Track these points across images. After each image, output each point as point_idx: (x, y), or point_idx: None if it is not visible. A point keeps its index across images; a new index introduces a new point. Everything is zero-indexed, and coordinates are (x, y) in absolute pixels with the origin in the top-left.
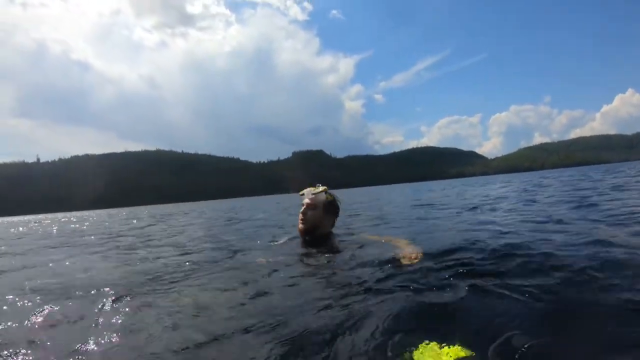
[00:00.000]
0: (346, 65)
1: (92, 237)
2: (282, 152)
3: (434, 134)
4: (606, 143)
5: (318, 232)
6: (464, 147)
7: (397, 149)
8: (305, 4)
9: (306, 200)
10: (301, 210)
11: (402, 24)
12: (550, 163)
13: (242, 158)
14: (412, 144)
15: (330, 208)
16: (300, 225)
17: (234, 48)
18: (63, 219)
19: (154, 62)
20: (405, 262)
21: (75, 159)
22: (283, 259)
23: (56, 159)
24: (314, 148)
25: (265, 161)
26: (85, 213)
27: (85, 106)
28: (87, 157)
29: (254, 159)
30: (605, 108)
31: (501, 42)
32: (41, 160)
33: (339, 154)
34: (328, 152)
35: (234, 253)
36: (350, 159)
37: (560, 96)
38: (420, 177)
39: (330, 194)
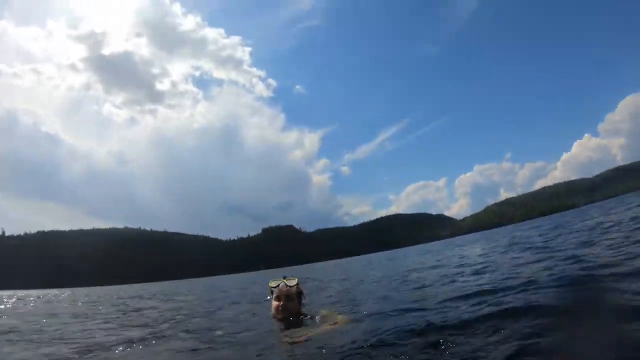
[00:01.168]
0: (311, 139)
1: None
2: (252, 228)
3: (402, 201)
4: (570, 189)
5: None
6: (433, 211)
7: (366, 219)
8: (270, 80)
9: (284, 294)
10: (279, 302)
11: (364, 96)
12: (518, 216)
13: (212, 235)
14: (381, 213)
15: (301, 296)
16: (279, 315)
17: (201, 125)
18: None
19: (123, 138)
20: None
21: (41, 234)
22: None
23: (22, 233)
24: (284, 223)
25: (235, 238)
26: (54, 291)
27: (53, 180)
28: (54, 233)
29: (223, 236)
30: (565, 156)
31: (459, 106)
32: (6, 234)
33: (309, 227)
34: (298, 227)
35: None
36: (321, 232)
37: (520, 151)
38: (392, 244)
39: (299, 284)
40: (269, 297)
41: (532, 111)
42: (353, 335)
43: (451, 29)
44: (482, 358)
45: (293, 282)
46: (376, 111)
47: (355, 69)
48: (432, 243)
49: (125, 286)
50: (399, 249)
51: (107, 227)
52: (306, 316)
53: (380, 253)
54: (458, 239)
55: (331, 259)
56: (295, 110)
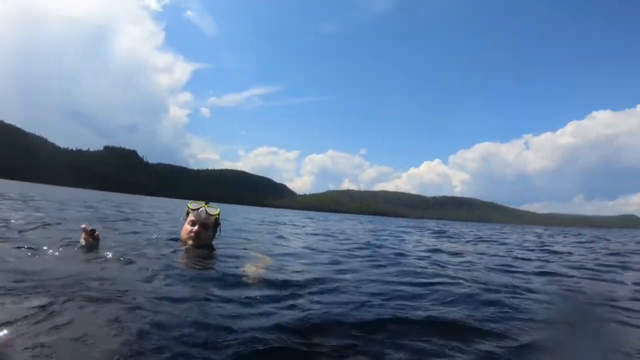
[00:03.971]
0: (183, 69)
1: None
2: (93, 142)
3: (250, 160)
4: (406, 200)
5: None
6: (277, 179)
7: (210, 167)
8: None
9: (201, 220)
10: (194, 228)
11: (251, 48)
12: (352, 208)
13: (50, 139)
14: (227, 165)
15: (217, 226)
16: (191, 242)
17: (70, 14)
18: None
19: None
20: (248, 280)
21: None
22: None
23: None
24: (128, 147)
25: (74, 148)
26: None
27: None
28: None
29: (62, 143)
30: (412, 170)
31: (339, 90)
32: None
33: (152, 159)
34: (141, 155)
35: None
36: (163, 168)
37: (376, 151)
38: (231, 200)
39: (219, 215)
40: (182, 219)
41: (400, 119)
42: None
43: (359, 20)
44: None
45: (215, 211)
46: (258, 65)
47: (254, 22)
48: (269, 209)
49: None
50: (238, 206)
51: None
52: (214, 250)
53: (226, 205)
54: (291, 212)
55: (169, 197)
56: (178, 34)
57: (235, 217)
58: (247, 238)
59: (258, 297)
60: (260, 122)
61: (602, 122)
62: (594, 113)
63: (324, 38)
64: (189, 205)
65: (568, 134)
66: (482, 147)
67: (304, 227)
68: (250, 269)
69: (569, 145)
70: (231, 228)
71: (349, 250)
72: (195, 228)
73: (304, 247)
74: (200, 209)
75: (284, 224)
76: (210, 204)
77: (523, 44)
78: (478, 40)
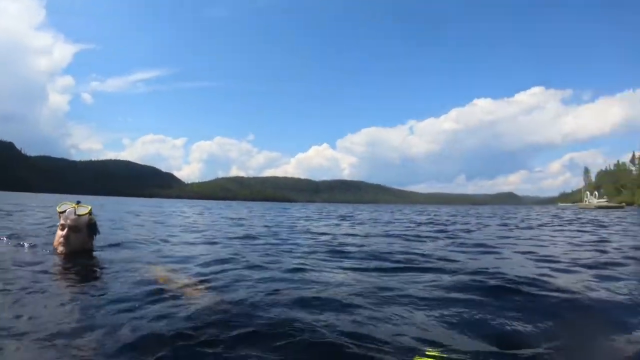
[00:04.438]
0: (63, 51)
1: None
2: None
3: (136, 149)
4: (296, 185)
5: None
6: (163, 168)
7: (94, 157)
8: None
9: (68, 222)
10: (63, 232)
11: (135, 28)
12: (242, 195)
13: None
14: (111, 155)
15: (93, 228)
16: (61, 248)
17: None
18: None
19: None
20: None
21: None
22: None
23: None
24: (4, 139)
25: None
26: None
27: None
28: None
29: None
30: (300, 155)
31: (224, 75)
32: None
33: (32, 151)
34: (19, 147)
35: None
36: (43, 160)
37: (263, 137)
38: (117, 192)
39: (92, 214)
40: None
41: (288, 104)
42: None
43: (252, 3)
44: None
45: (84, 210)
46: (145, 48)
47: (140, 1)
48: (156, 199)
49: None
50: (125, 198)
51: None
52: (93, 256)
53: (111, 198)
54: (180, 202)
55: (53, 192)
56: (60, 11)
57: (119, 212)
58: (131, 237)
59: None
60: (146, 108)
61: (482, 109)
62: (476, 101)
63: (215, 21)
64: (57, 208)
65: (451, 120)
66: (369, 132)
67: (191, 217)
68: (157, 273)
69: (452, 130)
70: (114, 226)
71: (241, 239)
72: (64, 232)
73: (194, 241)
74: (68, 210)
75: (172, 214)
76: (82, 203)
77: (414, 40)
78: (368, 28)
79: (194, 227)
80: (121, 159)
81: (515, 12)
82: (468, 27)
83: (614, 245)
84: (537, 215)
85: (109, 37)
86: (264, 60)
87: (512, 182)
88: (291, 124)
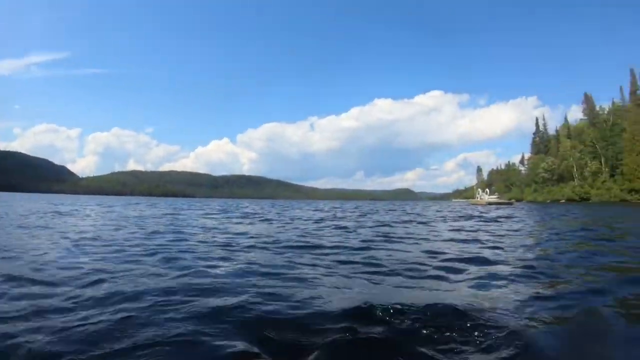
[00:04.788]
0: None
1: None
2: None
3: (28, 139)
4: (195, 180)
5: None
6: (57, 161)
7: None
8: None
9: None
10: None
11: (28, 4)
12: (139, 190)
13: None
14: (1, 145)
15: None
16: None
17: None
18: None
19: None
20: None
21: None
22: None
23: None
24: None
25: None
26: None
27: None
28: None
29: None
30: (200, 149)
31: (124, 63)
32: None
33: None
34: None
35: None
36: None
37: (163, 130)
38: (6, 187)
39: None
40: None
41: (189, 96)
42: None
43: None
44: None
45: None
46: (38, 28)
47: None
48: (48, 195)
49: None
50: (16, 194)
51: None
52: None
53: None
54: (73, 198)
55: None
56: None
57: (6, 209)
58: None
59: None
60: (40, 94)
61: (382, 108)
62: (377, 100)
63: (116, 4)
64: None
65: (351, 118)
66: (270, 127)
67: (84, 216)
68: None
69: (352, 128)
70: None
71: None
72: None
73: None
74: None
75: (67, 213)
76: None
77: (317, 38)
78: (273, 24)
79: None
80: (11, 149)
81: (421, 20)
82: (371, 28)
83: (483, 233)
84: (424, 210)
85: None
86: (165, 50)
87: (408, 179)
88: (192, 117)
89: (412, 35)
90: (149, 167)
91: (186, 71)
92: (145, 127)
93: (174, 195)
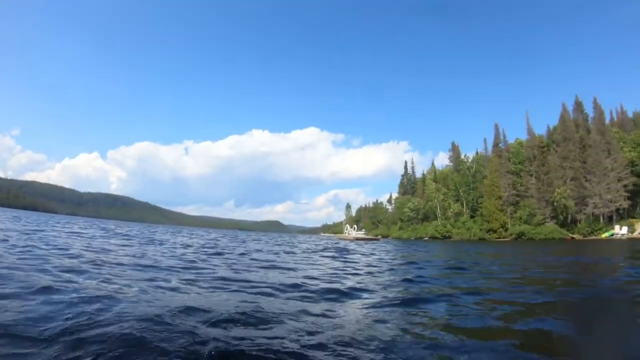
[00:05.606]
0: None
1: None
2: None
3: None
4: (58, 194)
5: None
6: None
7: None
8: None
9: None
10: None
11: None
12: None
13: None
14: None
15: None
16: None
17: None
18: None
19: None
20: None
21: None
22: None
23: None
24: None
25: None
26: None
27: None
28: None
29: None
30: (67, 161)
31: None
32: None
33: None
34: None
35: None
36: None
37: (31, 134)
38: None
39: None
40: None
41: (68, 102)
42: None
43: None
44: None
45: None
46: None
47: None
48: None
49: None
50: None
51: None
52: None
53: None
54: None
55: None
56: None
57: None
58: None
59: None
60: None
61: (259, 140)
62: (254, 131)
63: None
64: None
65: (227, 146)
66: (143, 146)
67: None
68: None
69: (227, 156)
70: None
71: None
72: None
73: None
74: None
75: None
76: None
77: (202, 63)
78: (157, 50)
79: None
80: None
81: (298, 58)
82: (253, 60)
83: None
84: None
85: None
86: (42, 41)
87: (278, 211)
88: (63, 123)
89: (292, 69)
90: (10, 174)
91: (60, 74)
92: (11, 127)
93: (34, 209)
